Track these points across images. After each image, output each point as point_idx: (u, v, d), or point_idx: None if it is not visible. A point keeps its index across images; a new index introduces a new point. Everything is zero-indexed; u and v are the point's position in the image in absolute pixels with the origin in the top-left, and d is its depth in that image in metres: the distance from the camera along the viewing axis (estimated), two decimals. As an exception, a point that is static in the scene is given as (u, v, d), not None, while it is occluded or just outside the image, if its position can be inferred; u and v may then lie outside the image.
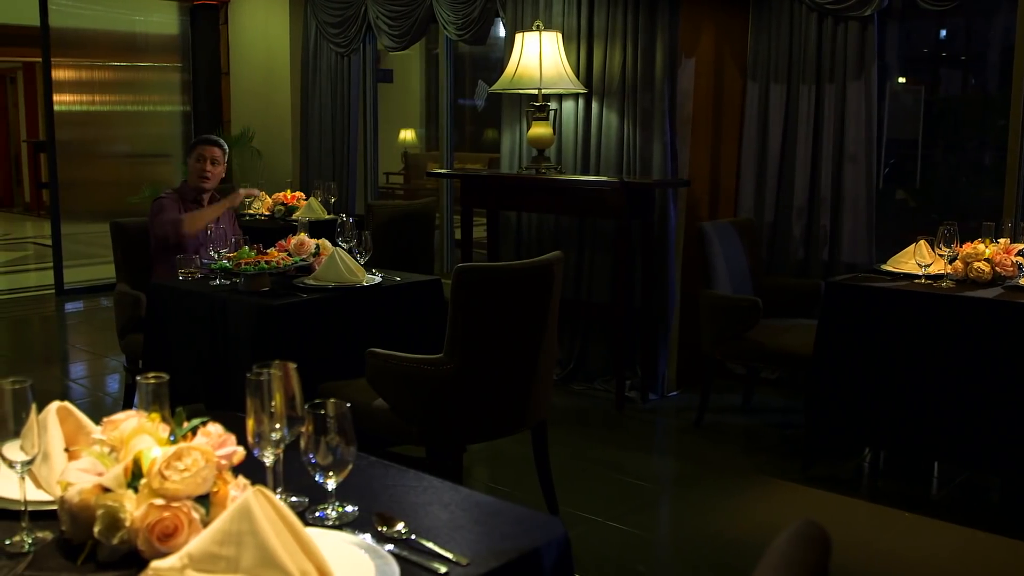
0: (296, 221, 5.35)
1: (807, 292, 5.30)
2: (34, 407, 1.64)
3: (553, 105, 5.97)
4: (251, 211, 6.51)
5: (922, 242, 4.38)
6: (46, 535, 1.66)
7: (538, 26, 5.77)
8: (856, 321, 4.27)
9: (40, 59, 8.99)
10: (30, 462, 1.65)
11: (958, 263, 4.22)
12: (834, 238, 5.47)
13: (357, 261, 4.17)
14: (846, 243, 5.43)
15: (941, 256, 4.23)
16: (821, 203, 5.48)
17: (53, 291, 9.11)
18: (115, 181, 9.47)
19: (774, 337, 4.92)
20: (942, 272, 4.26)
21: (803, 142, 5.51)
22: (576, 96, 5.98)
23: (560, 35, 5.81)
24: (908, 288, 4.21)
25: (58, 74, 8.98)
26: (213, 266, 4.13)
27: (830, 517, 3.98)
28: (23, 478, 1.67)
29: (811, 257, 5.56)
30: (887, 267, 4.55)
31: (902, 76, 7.28)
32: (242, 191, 5.42)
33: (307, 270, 4.18)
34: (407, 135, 13.45)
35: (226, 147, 5.31)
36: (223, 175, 5.35)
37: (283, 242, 4.28)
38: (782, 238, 5.64)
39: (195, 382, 4.07)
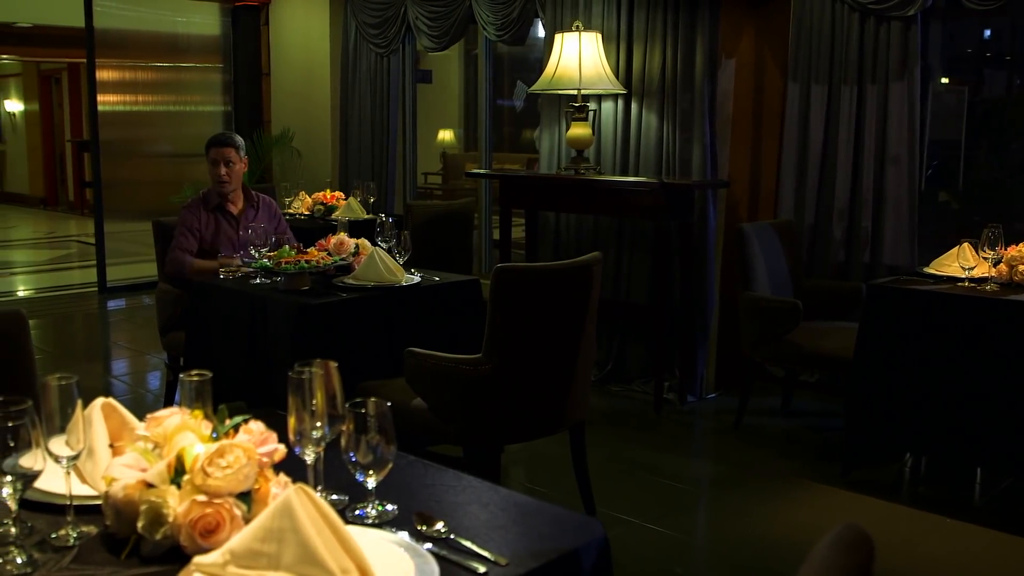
0: (335, 220, 5.38)
1: (848, 295, 5.25)
2: (80, 403, 1.66)
3: (592, 106, 5.96)
4: (291, 210, 6.56)
5: (965, 245, 4.33)
6: (91, 529, 1.68)
7: (578, 27, 5.76)
8: (898, 324, 4.23)
9: (84, 60, 9.11)
10: (75, 457, 1.67)
11: (1002, 266, 4.17)
12: (875, 240, 5.42)
13: (396, 261, 4.18)
14: (888, 245, 5.37)
15: (985, 259, 4.18)
16: (862, 205, 5.43)
17: (96, 289, 9.22)
18: (157, 180, 9.58)
19: (814, 340, 4.88)
20: (986, 275, 4.21)
21: (844, 143, 5.46)
22: (615, 97, 5.96)
23: (600, 36, 5.80)
24: (951, 291, 4.16)
25: (102, 75, 9.09)
26: (254, 265, 4.16)
27: (870, 522, 3.94)
28: (69, 473, 1.69)
29: (852, 259, 5.51)
30: (930, 270, 4.50)
31: (945, 76, 7.19)
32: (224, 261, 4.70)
33: (347, 269, 4.20)
34: (445, 135, 13.48)
35: (240, 143, 5.12)
36: (245, 170, 5.15)
37: (323, 241, 4.30)
38: (823, 240, 5.59)
39: (236, 379, 4.09)
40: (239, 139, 5.17)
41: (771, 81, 5.88)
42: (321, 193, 6.61)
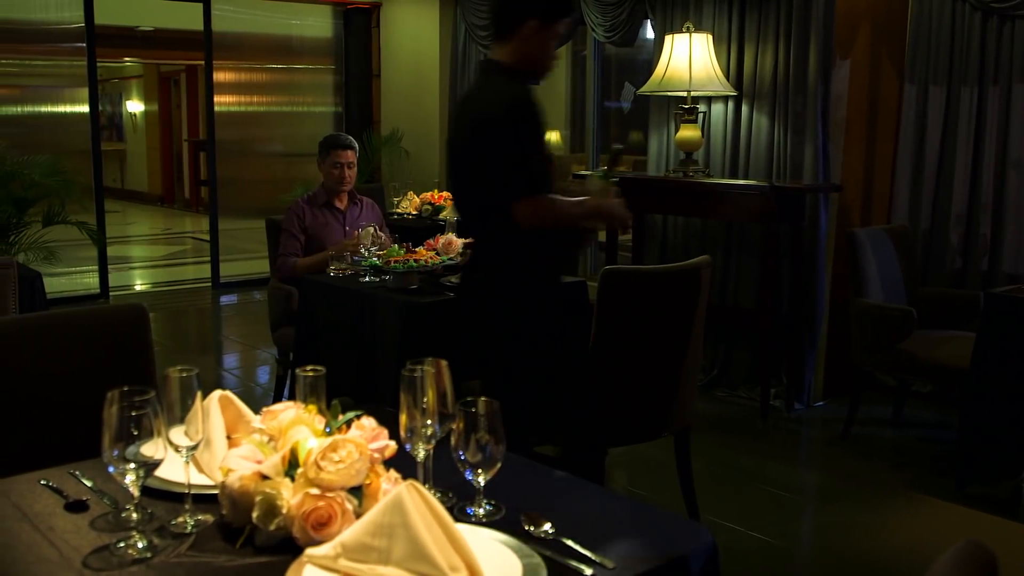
0: (443, 220, 5.42)
1: (964, 303, 5.10)
2: (199, 395, 1.71)
3: (702, 108, 5.90)
4: (399, 210, 6.64)
5: (1093, 253, 4.17)
6: (207, 518, 1.73)
7: (688, 28, 5.71)
8: (1017, 334, 4.09)
9: (202, 62, 9.37)
10: (194, 447, 1.72)
11: None
12: (995, 247, 5.25)
13: (503, 261, 4.19)
14: (1008, 253, 5.20)
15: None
16: (981, 210, 5.26)
17: (210, 284, 9.47)
18: (270, 179, 9.80)
19: (928, 349, 4.75)
20: (1114, 285, 4.05)
21: (963, 147, 5.30)
22: (725, 99, 5.89)
23: (711, 37, 5.73)
24: (1076, 301, 4.01)
25: (219, 76, 9.34)
26: (363, 263, 4.22)
27: (986, 539, 3.81)
28: (188, 462, 1.74)
29: (969, 267, 5.34)
30: (1053, 279, 4.35)
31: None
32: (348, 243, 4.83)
33: (454, 269, 4.23)
34: (552, 136, 13.48)
35: (356, 145, 5.26)
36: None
37: (431, 241, 4.35)
38: (939, 246, 5.43)
39: (344, 375, 4.17)
40: (355, 141, 5.28)
41: (887, 82, 5.73)
42: (429, 193, 6.67)
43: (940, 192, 5.42)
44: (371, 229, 4.49)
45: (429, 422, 1.76)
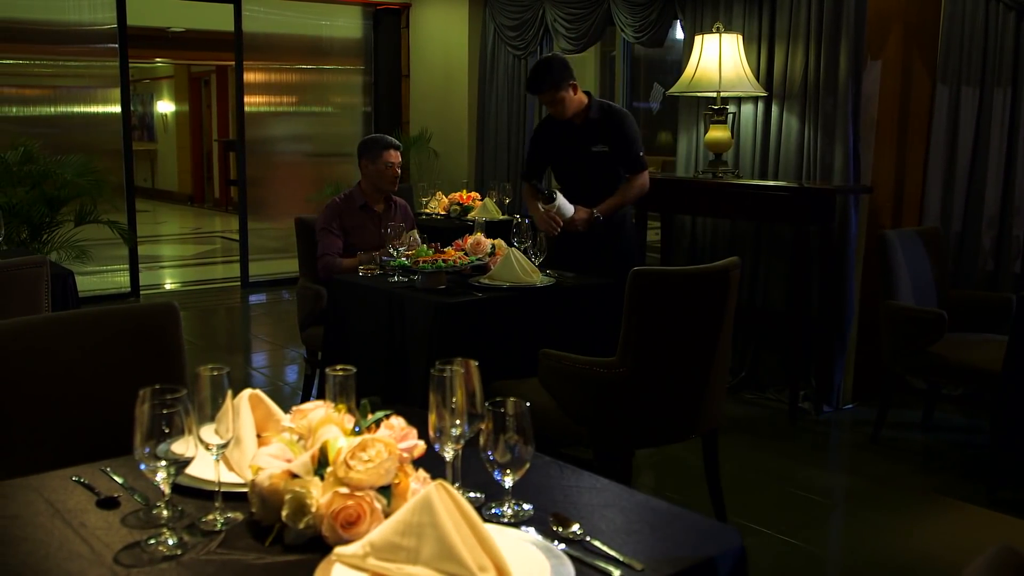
0: (472, 221, 5.42)
1: (997, 306, 5.05)
2: (230, 393, 1.72)
3: (732, 108, 5.87)
4: (428, 210, 6.65)
5: None
6: (237, 516, 1.74)
7: (718, 28, 5.69)
8: (1052, 338, 4.05)
9: (232, 62, 9.42)
10: (225, 446, 1.73)
11: None
12: (1028, 250, 5.20)
13: (532, 262, 4.20)
14: (1041, 255, 5.15)
15: None
16: (1014, 213, 5.21)
17: (239, 283, 9.52)
18: (299, 179, 9.85)
19: (959, 352, 4.71)
20: None
21: (996, 148, 5.24)
22: (755, 99, 5.86)
23: (740, 37, 5.71)
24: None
25: (249, 76, 9.39)
26: (392, 263, 4.23)
27: (1019, 545, 3.77)
28: (218, 461, 1.75)
29: (1002, 269, 5.29)
30: (1088, 282, 4.29)
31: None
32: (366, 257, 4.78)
33: (483, 269, 4.24)
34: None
35: (401, 146, 5.27)
36: None
37: (460, 241, 4.35)
38: (970, 248, 5.38)
39: (372, 375, 4.17)
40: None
41: (919, 83, 5.69)
42: (457, 193, 6.68)
43: (972, 194, 5.37)
44: (413, 233, 4.46)
45: (458, 422, 1.76)
